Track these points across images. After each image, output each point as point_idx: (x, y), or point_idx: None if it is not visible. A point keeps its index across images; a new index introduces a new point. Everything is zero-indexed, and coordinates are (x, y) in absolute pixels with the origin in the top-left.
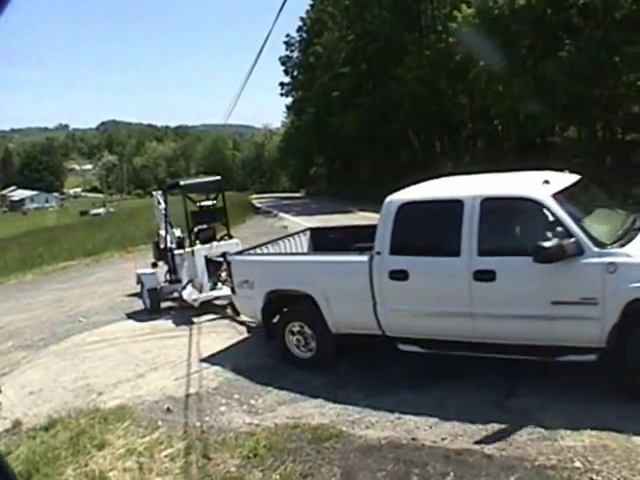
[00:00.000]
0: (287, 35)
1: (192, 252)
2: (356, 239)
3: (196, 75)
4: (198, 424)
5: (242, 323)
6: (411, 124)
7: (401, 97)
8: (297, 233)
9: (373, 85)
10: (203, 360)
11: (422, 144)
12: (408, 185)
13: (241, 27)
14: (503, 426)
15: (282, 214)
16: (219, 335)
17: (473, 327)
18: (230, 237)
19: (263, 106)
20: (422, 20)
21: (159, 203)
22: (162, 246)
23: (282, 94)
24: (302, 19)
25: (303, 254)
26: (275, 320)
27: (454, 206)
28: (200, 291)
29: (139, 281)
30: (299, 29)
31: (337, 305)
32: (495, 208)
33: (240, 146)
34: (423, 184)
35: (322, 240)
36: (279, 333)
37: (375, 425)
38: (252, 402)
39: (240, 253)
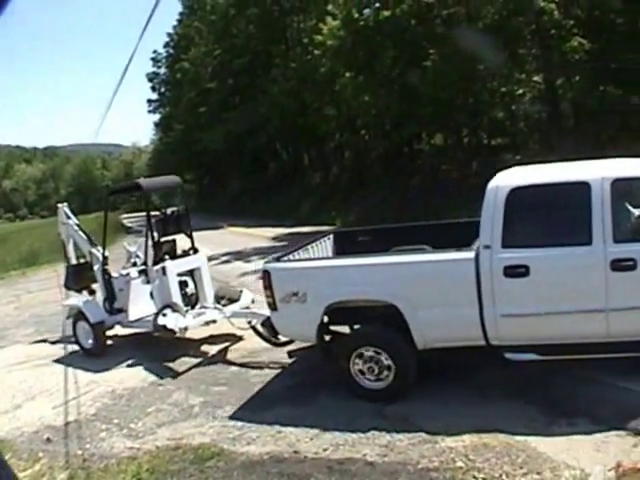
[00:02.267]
0: (154, 51)
1: (163, 270)
2: (392, 241)
3: (63, 94)
4: (79, 452)
5: (279, 344)
6: (279, 137)
7: (268, 111)
8: (321, 237)
9: (240, 99)
10: (80, 386)
11: (290, 156)
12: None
13: (108, 44)
14: (384, 433)
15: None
16: (96, 360)
17: (607, 324)
18: (195, 250)
19: (132, 124)
20: (288, 33)
21: (68, 218)
22: (96, 267)
23: (150, 111)
24: (169, 35)
25: (380, 255)
26: (329, 339)
27: (579, 189)
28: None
29: (73, 315)
30: (166, 45)
31: (429, 315)
32: (628, 190)
33: (109, 165)
34: (520, 169)
35: (348, 244)
36: (341, 360)
37: (256, 440)
38: (132, 426)
39: (278, 260)
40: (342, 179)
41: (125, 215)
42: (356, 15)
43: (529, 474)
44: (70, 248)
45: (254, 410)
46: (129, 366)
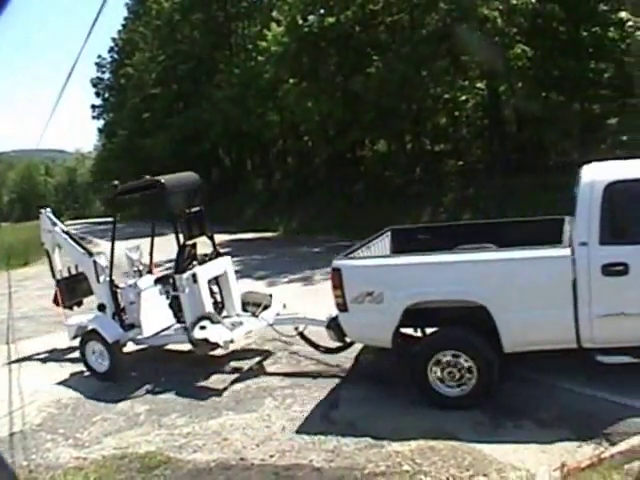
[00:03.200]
0: (99, 56)
1: (194, 277)
2: (453, 239)
3: (4, 99)
4: (25, 463)
5: (329, 351)
6: (222, 143)
7: (212, 117)
8: (378, 235)
9: (184, 106)
10: (25, 396)
11: (233, 163)
12: None
13: (51, 48)
14: (330, 438)
15: (96, 240)
16: (39, 368)
17: None
18: (218, 254)
19: (76, 130)
20: (233, 39)
21: (54, 224)
22: (101, 279)
23: (94, 117)
24: (114, 39)
25: (469, 252)
26: (403, 344)
27: None
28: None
29: (81, 335)
30: (111, 50)
31: (520, 316)
32: None
33: (52, 172)
34: (608, 164)
35: (406, 242)
36: (418, 365)
37: (202, 448)
38: (78, 435)
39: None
40: (285, 185)
41: (69, 222)
42: (301, 22)
43: (476, 476)
44: (57, 259)
45: (199, 418)
46: (77, 376)
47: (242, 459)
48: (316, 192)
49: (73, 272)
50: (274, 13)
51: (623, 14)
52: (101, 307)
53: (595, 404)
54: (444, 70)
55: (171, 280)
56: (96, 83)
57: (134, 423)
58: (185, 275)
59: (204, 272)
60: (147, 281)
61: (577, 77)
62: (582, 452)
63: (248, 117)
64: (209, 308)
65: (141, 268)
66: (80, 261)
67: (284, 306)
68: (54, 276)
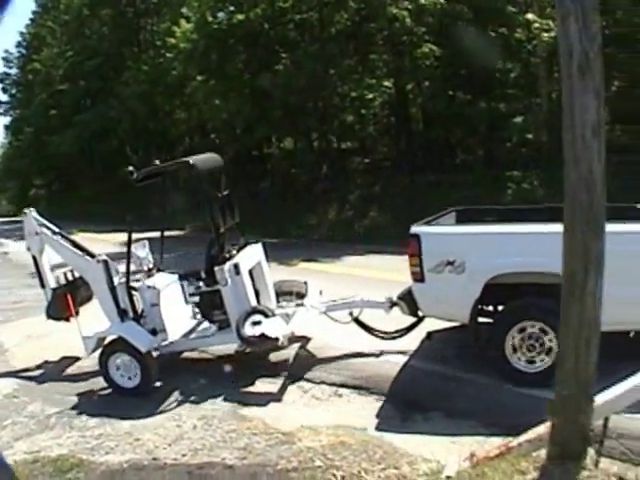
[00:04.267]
0: (6, 51)
1: (236, 268)
2: (521, 221)
3: None
4: None
5: (388, 337)
6: (129, 141)
7: (119, 114)
8: (443, 214)
9: (92, 102)
10: None
11: (140, 160)
12: None
13: None
14: (241, 435)
15: (2, 240)
16: None
17: None
18: (247, 242)
19: None
20: (141, 35)
21: (41, 226)
22: (116, 281)
23: (0, 113)
24: (22, 34)
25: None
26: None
27: None
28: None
29: (103, 348)
30: (18, 44)
31: (609, 293)
32: None
33: None
34: None
35: (471, 222)
36: (496, 337)
37: (115, 449)
38: None
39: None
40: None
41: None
42: (210, 18)
43: (387, 469)
44: (45, 265)
45: (110, 419)
46: None
47: (155, 459)
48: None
49: (67, 278)
50: (183, 10)
51: (530, 16)
52: (122, 313)
53: (502, 395)
54: (352, 68)
55: (202, 274)
56: (2, 79)
57: (45, 426)
58: (226, 267)
59: (245, 262)
60: (164, 279)
61: (484, 76)
62: (491, 442)
63: (155, 114)
64: (254, 301)
65: (150, 266)
66: (79, 265)
67: (320, 293)
68: (43, 285)
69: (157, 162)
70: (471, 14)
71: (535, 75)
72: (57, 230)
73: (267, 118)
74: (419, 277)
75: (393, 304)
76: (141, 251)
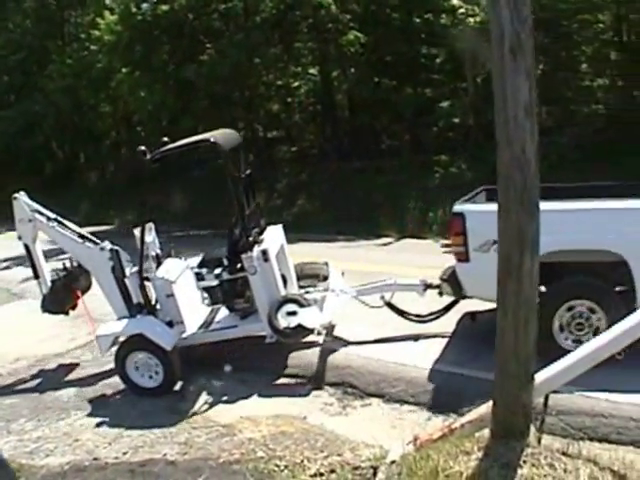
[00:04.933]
0: None
1: (264, 254)
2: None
3: None
4: None
5: (423, 320)
6: (55, 136)
7: (44, 109)
8: (472, 195)
9: (16, 98)
10: None
11: (66, 156)
12: None
13: None
14: (181, 430)
15: None
16: None
17: None
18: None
19: None
20: (65, 28)
21: (34, 211)
22: (127, 272)
23: None
24: None
25: (610, 200)
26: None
27: None
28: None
29: (119, 346)
30: None
31: None
32: None
33: None
34: None
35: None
36: (544, 316)
37: (54, 451)
38: None
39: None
40: (119, 177)
41: None
42: (134, 10)
43: (330, 457)
44: (39, 254)
45: (47, 420)
46: None
47: (95, 459)
48: (150, 183)
49: (66, 267)
50: (107, 1)
51: (455, 1)
52: (138, 307)
53: (440, 378)
54: (277, 57)
55: (225, 261)
56: None
57: None
58: (255, 253)
59: (271, 247)
60: (176, 266)
61: (409, 62)
62: (432, 424)
63: (80, 108)
64: (282, 289)
65: (158, 252)
66: (80, 254)
67: (342, 274)
68: (37, 276)
69: (166, 139)
70: (396, 0)
71: (460, 60)
72: (53, 216)
73: (192, 109)
74: (464, 257)
75: (427, 286)
76: (147, 236)
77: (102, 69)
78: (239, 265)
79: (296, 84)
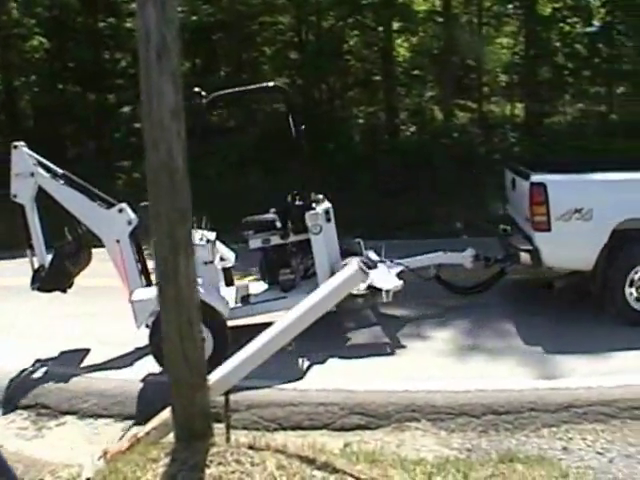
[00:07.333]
0: None
1: (327, 214)
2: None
3: None
4: None
5: (469, 292)
6: None
7: None
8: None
9: None
10: None
11: None
12: None
13: None
14: None
15: None
16: None
17: None
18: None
19: None
20: None
21: (37, 164)
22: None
23: None
24: None
25: None
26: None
27: None
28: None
29: (152, 316)
30: None
31: None
32: None
33: None
34: None
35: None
36: (615, 281)
37: None
38: None
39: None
40: None
41: None
42: None
43: None
44: (36, 220)
45: None
46: None
47: None
48: None
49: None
50: None
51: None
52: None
53: (132, 387)
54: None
55: (277, 223)
56: None
57: None
58: (320, 211)
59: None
60: (208, 235)
61: (91, 68)
62: (126, 436)
63: None
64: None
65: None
66: (92, 217)
67: (375, 251)
68: (30, 246)
69: (197, 89)
70: (79, 5)
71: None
72: (61, 171)
73: None
74: (545, 226)
75: (476, 257)
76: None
77: None
78: (294, 227)
79: None
